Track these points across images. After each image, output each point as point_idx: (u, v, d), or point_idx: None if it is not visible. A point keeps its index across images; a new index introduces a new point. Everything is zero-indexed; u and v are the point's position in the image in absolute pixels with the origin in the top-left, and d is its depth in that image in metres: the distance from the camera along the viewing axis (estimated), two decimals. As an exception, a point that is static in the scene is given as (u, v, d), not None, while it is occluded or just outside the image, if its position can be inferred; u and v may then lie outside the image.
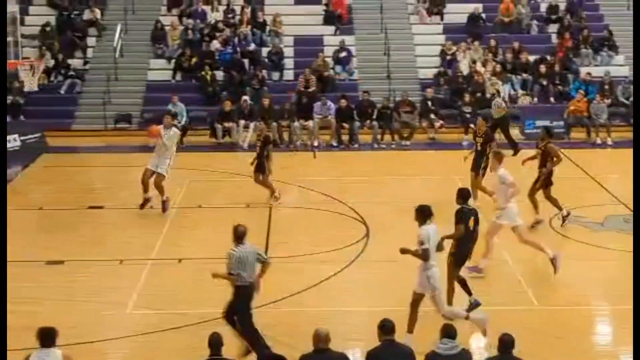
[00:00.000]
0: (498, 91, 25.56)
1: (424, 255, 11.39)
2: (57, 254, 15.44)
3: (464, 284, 12.54)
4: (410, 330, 11.37)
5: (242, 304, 11.00)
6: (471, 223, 12.39)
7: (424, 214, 11.54)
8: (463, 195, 12.63)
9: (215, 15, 29.04)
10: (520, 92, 27.14)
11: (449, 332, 9.00)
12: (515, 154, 21.27)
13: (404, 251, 11.56)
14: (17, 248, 16.23)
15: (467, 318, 11.78)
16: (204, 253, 14.86)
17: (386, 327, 8.97)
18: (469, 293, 12.52)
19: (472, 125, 25.07)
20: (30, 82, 24.75)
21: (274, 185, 18.40)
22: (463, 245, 12.40)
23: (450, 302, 12.22)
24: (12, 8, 27.44)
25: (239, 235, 11.21)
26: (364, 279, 14.29)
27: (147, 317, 12.85)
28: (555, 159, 16.85)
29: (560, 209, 16.90)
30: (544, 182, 16.83)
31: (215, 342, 9.04)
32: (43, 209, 18.27)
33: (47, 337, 8.77)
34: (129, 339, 12.08)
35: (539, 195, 16.85)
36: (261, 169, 18.30)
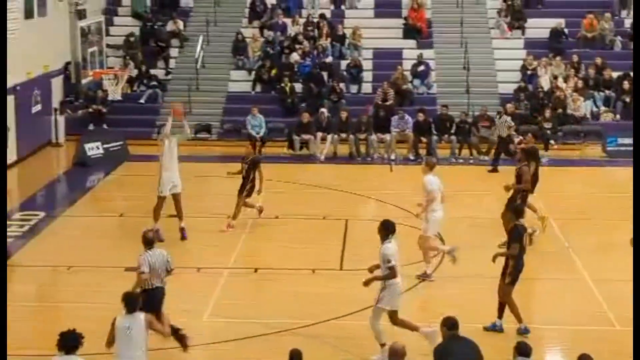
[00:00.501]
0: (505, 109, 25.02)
1: (392, 274, 11.32)
2: (136, 260, 15.69)
3: (502, 306, 12.37)
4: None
5: (150, 307, 11.02)
6: (526, 240, 12.28)
7: (387, 229, 11.49)
8: (516, 211, 12.50)
9: (295, 28, 29.26)
10: (602, 108, 26.70)
11: (523, 350, 8.92)
12: (492, 171, 22.46)
13: (367, 283, 11.47)
14: (97, 254, 16.62)
15: (382, 345, 11.43)
16: (280, 263, 14.96)
17: (450, 323, 9.04)
18: (500, 317, 12.41)
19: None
20: (114, 92, 25.29)
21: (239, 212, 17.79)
22: (518, 263, 12.26)
23: (520, 320, 12.18)
24: (98, 19, 28.18)
25: (148, 241, 11.62)
26: (440, 295, 14.20)
27: (222, 325, 12.97)
28: (523, 183, 16.36)
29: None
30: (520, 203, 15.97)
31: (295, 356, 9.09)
32: (123, 216, 18.59)
33: (132, 304, 9.87)
34: (204, 346, 12.22)
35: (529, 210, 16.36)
36: (244, 190, 17.75)
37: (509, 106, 25.54)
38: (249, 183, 17.72)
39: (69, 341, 8.91)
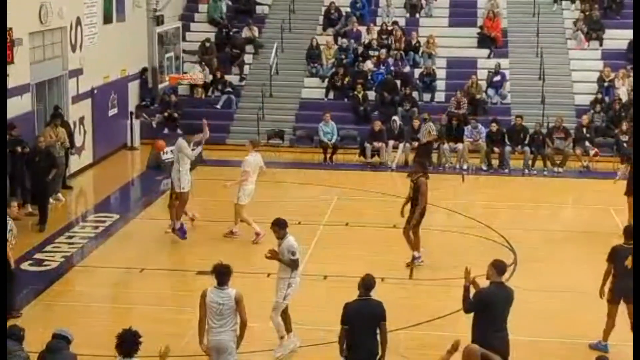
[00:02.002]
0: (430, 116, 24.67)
1: (295, 264, 11.96)
2: (208, 264, 15.86)
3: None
4: (289, 329, 12.22)
5: None
6: (628, 262, 12.03)
7: (283, 225, 11.99)
8: (626, 233, 12.42)
9: (369, 36, 29.28)
10: (682, 121, 26.11)
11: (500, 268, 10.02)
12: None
13: (273, 256, 11.93)
14: (169, 257, 16.87)
15: (281, 338, 12.21)
16: (350, 271, 14.94)
17: (500, 268, 10.18)
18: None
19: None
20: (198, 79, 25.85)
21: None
22: (618, 282, 12.12)
23: (605, 338, 12.03)
24: (175, 24, 28.67)
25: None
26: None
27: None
28: (421, 197, 15.72)
29: (416, 249, 16.08)
30: (417, 220, 15.79)
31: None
32: (195, 220, 18.78)
33: (222, 275, 10.33)
34: (270, 352, 12.29)
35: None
36: None
37: (585, 117, 25.19)
38: None
39: (127, 344, 8.71)
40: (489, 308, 10.01)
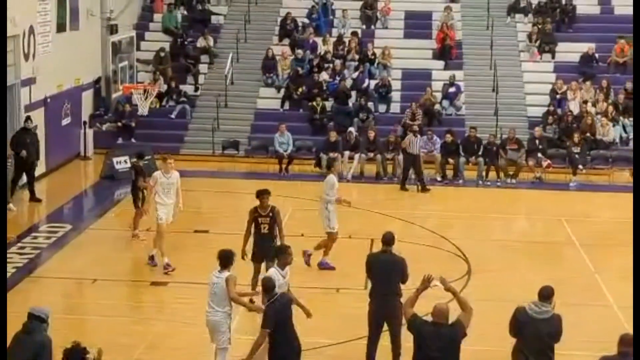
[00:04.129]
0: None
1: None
2: (162, 275, 15.77)
3: None
4: None
5: None
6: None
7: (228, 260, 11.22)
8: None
9: (325, 47, 29.34)
10: (632, 134, 26.52)
11: (544, 294, 9.60)
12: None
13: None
14: (122, 267, 16.69)
15: None
16: (304, 282, 14.92)
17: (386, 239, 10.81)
18: None
19: (580, 167, 24.65)
20: (143, 106, 25.52)
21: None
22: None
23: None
24: (130, 33, 28.49)
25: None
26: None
27: (250, 342, 12.97)
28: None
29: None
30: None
31: None
32: (150, 230, 18.65)
33: (225, 260, 10.91)
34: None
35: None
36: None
37: (537, 129, 25.49)
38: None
39: None
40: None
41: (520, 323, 9.71)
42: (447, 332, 9.25)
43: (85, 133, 26.13)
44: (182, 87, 28.34)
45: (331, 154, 24.59)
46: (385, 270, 11.75)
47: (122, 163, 24.11)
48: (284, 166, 24.89)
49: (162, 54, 28.82)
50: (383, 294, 11.65)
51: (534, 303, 9.73)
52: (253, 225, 14.25)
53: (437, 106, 27.31)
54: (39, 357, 8.91)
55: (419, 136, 23.67)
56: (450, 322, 9.29)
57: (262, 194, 14.23)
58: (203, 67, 29.38)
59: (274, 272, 11.28)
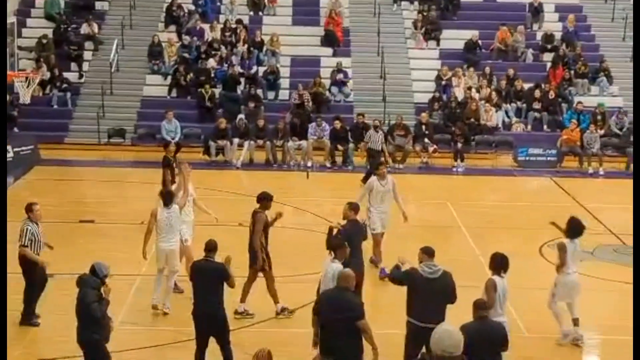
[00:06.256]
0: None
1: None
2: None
3: None
4: None
5: None
6: None
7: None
8: None
9: (213, 34, 29.10)
10: (514, 119, 27.24)
11: (429, 251, 10.28)
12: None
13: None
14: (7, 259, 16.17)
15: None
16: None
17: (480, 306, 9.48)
18: None
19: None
20: (24, 95, 24.78)
21: None
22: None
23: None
24: (10, 20, 27.55)
25: None
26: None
27: (135, 333, 12.79)
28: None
29: None
30: None
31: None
32: (143, 223, 18.11)
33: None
34: (116, 354, 12.00)
35: None
36: None
37: (424, 115, 25.91)
38: None
39: None
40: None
41: (416, 284, 10.13)
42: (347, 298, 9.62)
43: (-36, 122, 25.22)
44: (65, 74, 27.67)
45: (220, 142, 24.49)
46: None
47: (3, 153, 23.37)
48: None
49: (45, 41, 28.10)
50: None
51: (424, 264, 10.24)
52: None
53: (326, 93, 27.42)
54: None
55: (380, 131, 23.32)
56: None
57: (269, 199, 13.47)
58: (87, 54, 28.78)
59: None
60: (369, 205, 15.53)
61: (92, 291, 10.12)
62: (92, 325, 9.95)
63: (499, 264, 10.70)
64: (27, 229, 12.94)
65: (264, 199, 13.42)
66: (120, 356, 11.86)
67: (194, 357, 11.04)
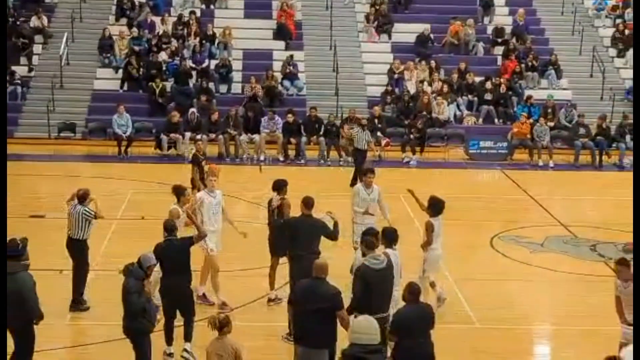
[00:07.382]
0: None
1: None
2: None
3: None
4: None
5: None
6: None
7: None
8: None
9: (164, 27, 28.90)
10: (465, 112, 27.45)
11: (370, 245, 10.39)
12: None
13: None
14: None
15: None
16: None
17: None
18: None
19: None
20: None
21: None
22: None
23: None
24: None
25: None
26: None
27: (86, 328, 12.71)
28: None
29: None
30: None
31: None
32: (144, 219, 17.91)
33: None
34: (68, 350, 11.93)
35: None
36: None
37: (376, 108, 26.00)
38: None
39: None
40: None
41: (369, 278, 10.10)
42: (324, 288, 9.65)
43: None
44: (14, 68, 27.27)
45: (172, 135, 24.36)
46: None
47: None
48: (123, 148, 24.44)
49: (-7, 34, 27.64)
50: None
51: (370, 257, 10.29)
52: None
53: (278, 86, 27.38)
54: None
55: (367, 130, 22.33)
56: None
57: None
58: (37, 48, 28.41)
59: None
60: (353, 216, 15.01)
61: (135, 281, 10.49)
62: (133, 314, 10.39)
63: (389, 238, 11.21)
64: None
65: (284, 186, 14.32)
66: (71, 351, 11.78)
67: (164, 327, 11.49)
